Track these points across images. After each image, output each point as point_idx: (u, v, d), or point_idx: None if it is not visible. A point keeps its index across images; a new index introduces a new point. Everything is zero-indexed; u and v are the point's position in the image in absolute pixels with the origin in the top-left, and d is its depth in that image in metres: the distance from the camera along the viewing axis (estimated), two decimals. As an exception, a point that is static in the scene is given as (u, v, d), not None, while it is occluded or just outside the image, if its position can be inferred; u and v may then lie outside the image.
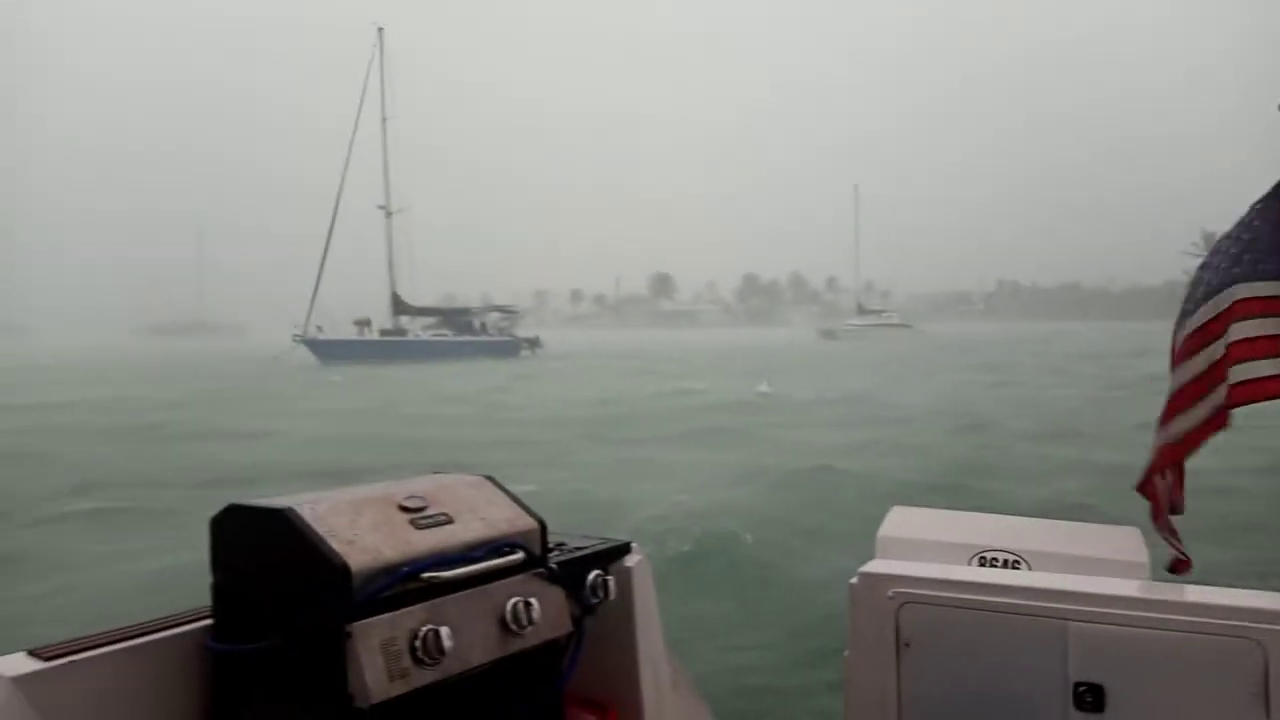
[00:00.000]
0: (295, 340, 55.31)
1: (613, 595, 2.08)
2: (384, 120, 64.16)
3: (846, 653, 2.52)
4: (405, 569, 1.64)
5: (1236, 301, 2.38)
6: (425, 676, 1.61)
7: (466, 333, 63.32)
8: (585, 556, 2.09)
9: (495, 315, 66.95)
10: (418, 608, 1.64)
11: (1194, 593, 2.33)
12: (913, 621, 2.42)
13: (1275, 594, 2.27)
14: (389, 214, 63.60)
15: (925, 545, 2.71)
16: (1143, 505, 2.62)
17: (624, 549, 2.23)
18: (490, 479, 2.00)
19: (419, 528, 1.75)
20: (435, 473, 2.03)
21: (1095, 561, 2.58)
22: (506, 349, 61.08)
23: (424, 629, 1.61)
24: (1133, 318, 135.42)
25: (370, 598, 1.58)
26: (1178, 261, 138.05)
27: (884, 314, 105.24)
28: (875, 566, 2.53)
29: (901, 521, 2.90)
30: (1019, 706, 2.32)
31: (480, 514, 1.87)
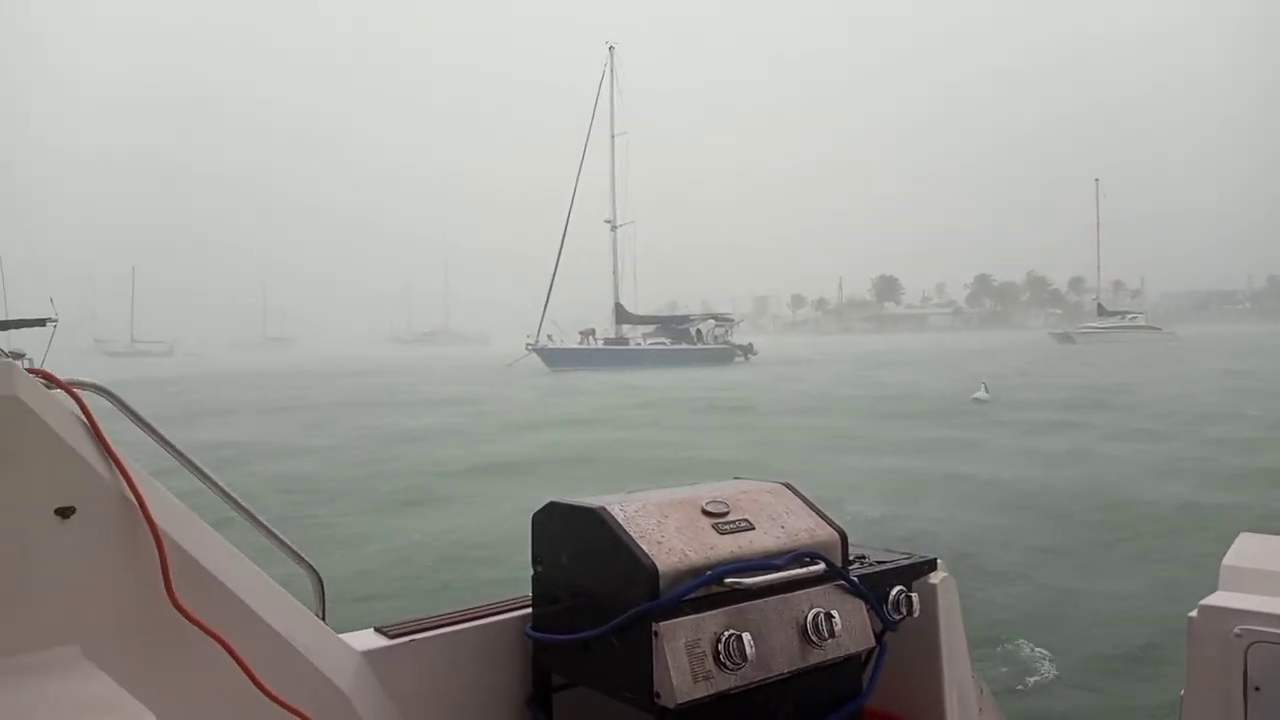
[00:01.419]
0: (528, 349, 59.45)
1: (916, 612, 2.04)
2: (612, 137, 67.32)
3: (1183, 693, 2.31)
4: (709, 573, 1.67)
5: None
6: (728, 680, 1.63)
7: (683, 340, 65.45)
8: (887, 571, 2.06)
9: (711, 323, 68.67)
10: (720, 612, 1.67)
11: None
12: (1263, 663, 2.18)
13: None
14: (614, 228, 66.78)
15: (1278, 578, 2.44)
16: None
17: (929, 565, 2.18)
18: (789, 486, 2.01)
19: (721, 533, 1.77)
20: (736, 478, 2.07)
21: None
22: (721, 356, 62.80)
23: (727, 633, 1.64)
24: None
25: (676, 599, 1.63)
26: None
27: (1128, 315, 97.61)
28: (1219, 600, 2.30)
29: (1251, 550, 2.59)
30: None
31: (780, 522, 1.87)
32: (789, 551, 1.80)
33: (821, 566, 1.82)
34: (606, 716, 1.83)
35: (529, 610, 1.94)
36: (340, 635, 1.85)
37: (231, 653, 1.60)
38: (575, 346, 61.87)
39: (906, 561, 2.14)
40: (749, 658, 1.63)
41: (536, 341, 60.09)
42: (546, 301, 62.22)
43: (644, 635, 1.61)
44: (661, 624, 1.60)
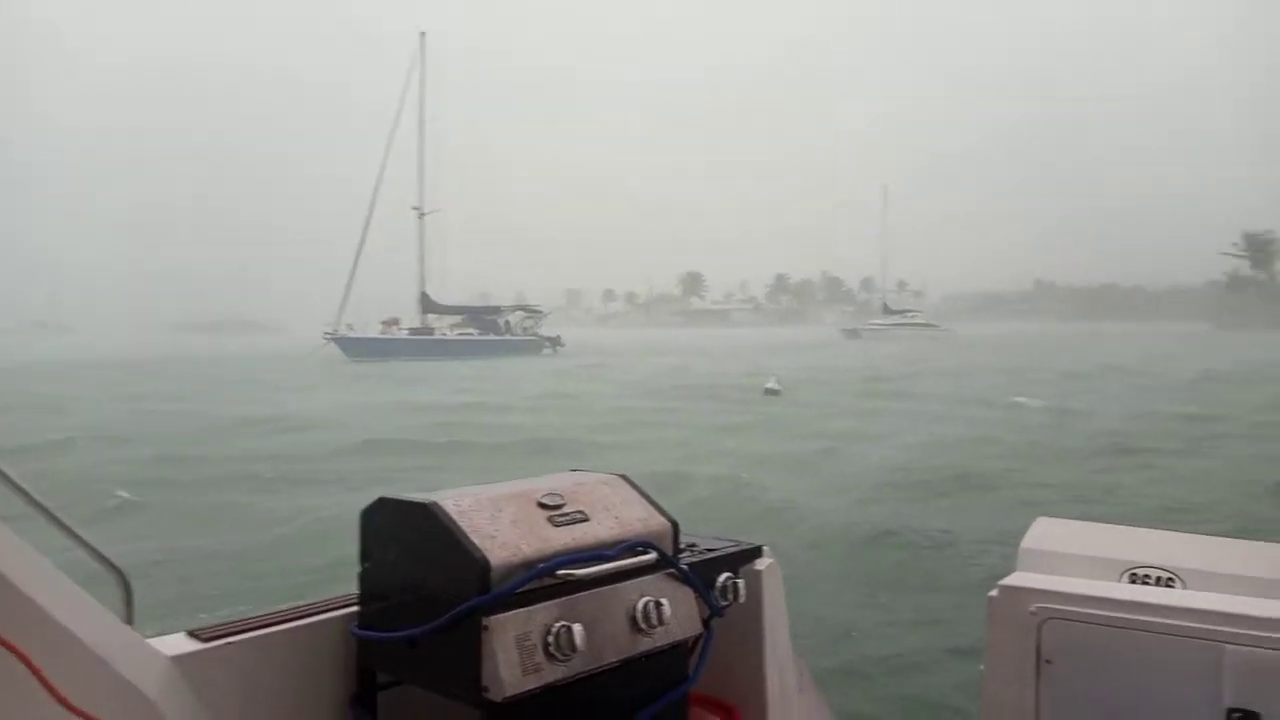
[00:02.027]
0: (326, 339, 57.22)
1: (742, 598, 2.10)
2: (422, 123, 65.67)
3: (983, 667, 2.43)
4: (542, 565, 1.67)
5: None
6: (557, 672, 1.64)
7: (491, 331, 64.86)
8: (716, 558, 2.10)
9: (520, 314, 68.44)
10: (552, 604, 1.68)
11: None
12: (1055, 639, 2.31)
13: None
14: (421, 215, 65.28)
15: (1071, 559, 2.58)
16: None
17: (755, 552, 2.23)
18: (625, 478, 2.02)
19: (556, 525, 1.78)
20: (574, 470, 2.06)
21: (1256, 581, 2.42)
22: (529, 347, 62.68)
23: (558, 625, 1.65)
24: (1174, 318, 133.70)
25: (507, 593, 1.62)
26: (1218, 262, 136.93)
27: (909, 314, 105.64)
28: (1017, 580, 2.44)
29: (1046, 533, 2.74)
30: None
31: (615, 512, 1.89)
32: (622, 541, 1.83)
33: (653, 555, 1.84)
34: (435, 714, 1.81)
35: (355, 609, 1.89)
36: (148, 640, 1.77)
37: (25, 661, 1.49)
38: (376, 336, 60.12)
39: (734, 549, 2.19)
40: (579, 648, 1.65)
41: (336, 331, 58.00)
42: (347, 289, 60.13)
43: (473, 630, 1.61)
44: (491, 618, 1.61)
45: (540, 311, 70.84)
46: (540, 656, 1.63)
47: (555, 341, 65.59)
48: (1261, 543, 2.71)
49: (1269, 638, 2.15)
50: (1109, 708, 2.26)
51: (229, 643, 1.80)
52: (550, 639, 1.64)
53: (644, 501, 1.97)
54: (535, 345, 64.04)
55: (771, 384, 31.58)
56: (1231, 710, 2.15)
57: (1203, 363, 43.72)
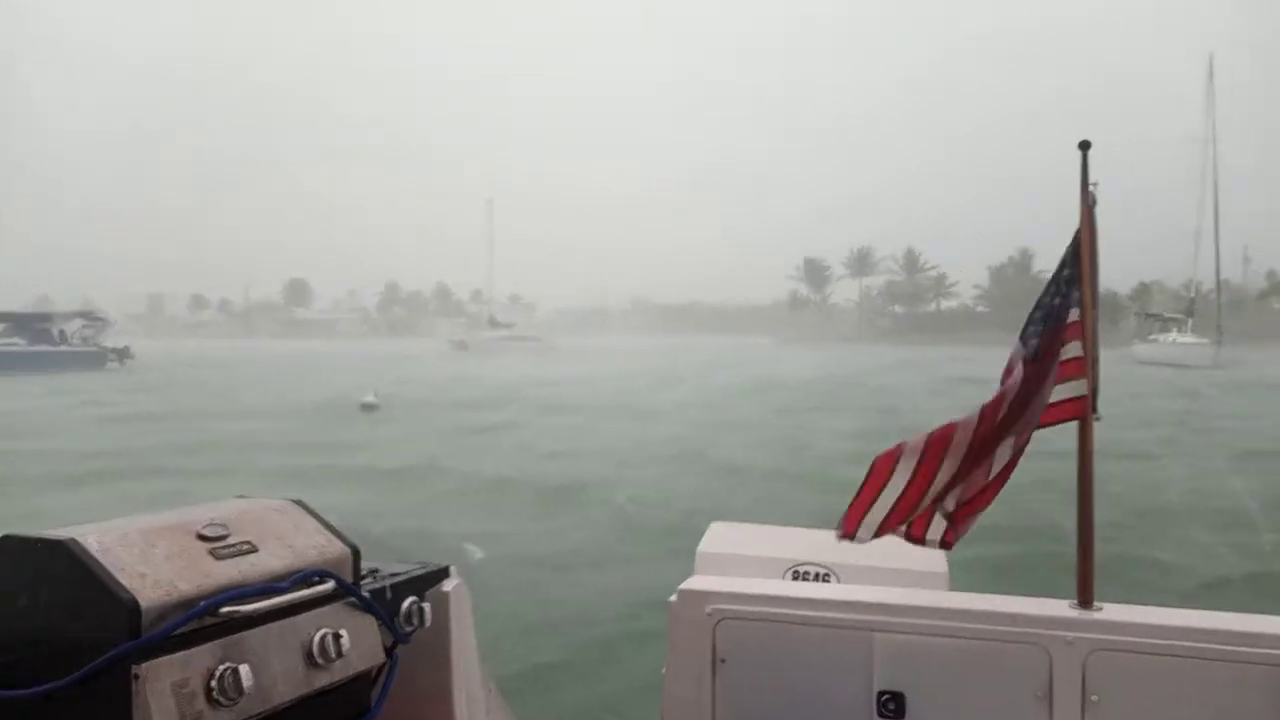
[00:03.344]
0: None
1: (428, 622, 2.02)
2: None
3: (664, 670, 2.49)
4: (203, 604, 1.55)
5: (1071, 324, 2.40)
6: (221, 718, 1.53)
7: (43, 342, 56.66)
8: (400, 583, 2.02)
9: (78, 323, 60.40)
10: (215, 644, 1.56)
11: (986, 601, 2.41)
12: (729, 637, 2.41)
13: (1059, 601, 2.38)
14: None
15: (743, 560, 2.71)
16: None
17: (442, 573, 2.16)
18: (300, 503, 1.91)
19: (219, 558, 1.65)
20: (239, 497, 1.93)
21: (899, 573, 2.63)
22: (87, 360, 55.45)
23: (221, 668, 1.54)
24: (748, 332, 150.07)
25: (161, 636, 1.50)
26: (784, 284, 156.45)
27: (514, 327, 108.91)
28: (694, 583, 2.51)
29: (720, 537, 2.90)
30: (827, 717, 2.35)
31: (287, 541, 1.78)
32: (296, 572, 1.71)
33: (330, 585, 1.74)
34: None
35: None
36: None
37: None
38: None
39: (420, 572, 2.10)
40: (246, 690, 1.53)
41: None
42: None
43: (122, 680, 1.46)
44: (143, 665, 1.47)
45: (103, 320, 63.05)
46: (202, 703, 1.51)
47: (123, 353, 58.88)
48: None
49: (909, 623, 2.32)
50: (776, 699, 2.38)
51: None
52: (214, 683, 1.52)
53: (321, 528, 1.87)
54: (96, 358, 56.89)
55: (369, 398, 31.21)
56: (881, 693, 2.31)
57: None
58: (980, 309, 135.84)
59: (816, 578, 2.70)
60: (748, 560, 2.73)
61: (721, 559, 2.75)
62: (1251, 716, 2.19)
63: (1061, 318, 2.39)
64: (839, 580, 2.69)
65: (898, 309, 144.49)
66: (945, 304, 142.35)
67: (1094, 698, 2.25)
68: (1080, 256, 2.39)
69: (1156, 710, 2.24)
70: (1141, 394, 34.01)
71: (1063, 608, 2.37)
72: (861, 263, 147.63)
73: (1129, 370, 50.76)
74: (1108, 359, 2.53)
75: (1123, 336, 76.47)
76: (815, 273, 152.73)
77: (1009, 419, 2.36)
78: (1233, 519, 13.80)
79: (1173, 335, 69.14)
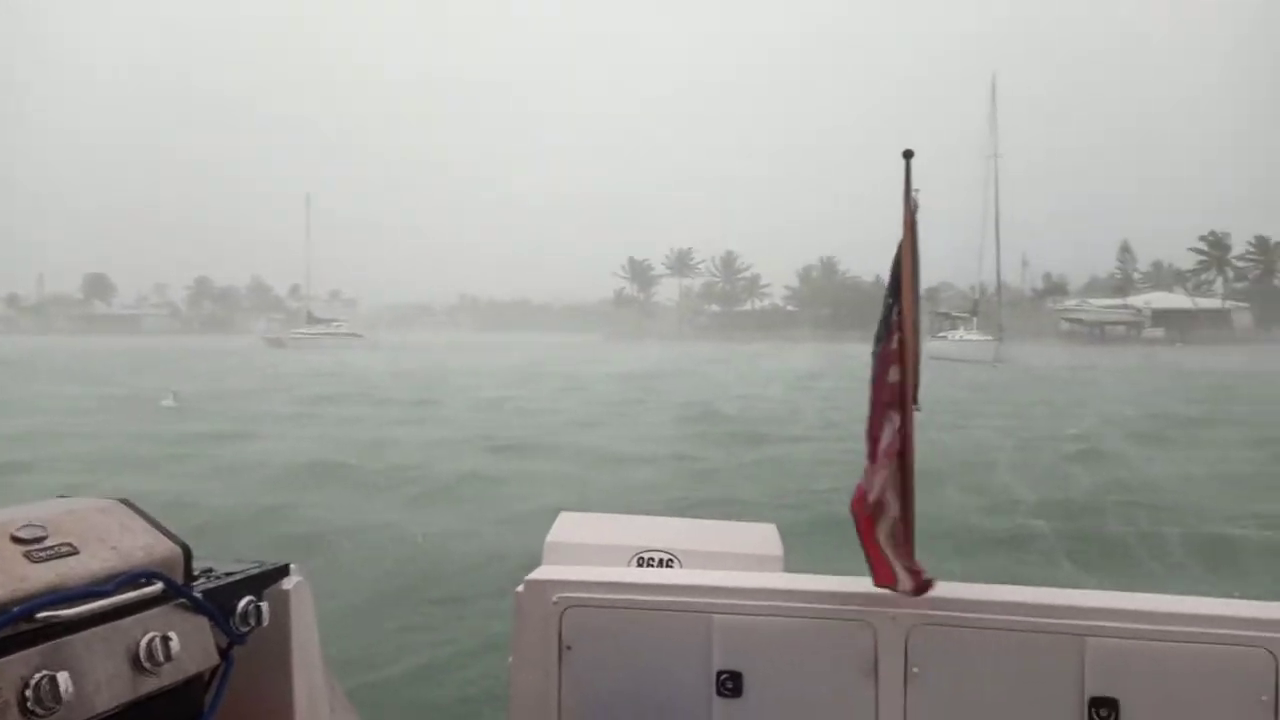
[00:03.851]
0: None
1: (265, 621, 1.94)
2: None
3: (510, 659, 2.52)
4: (17, 610, 1.48)
5: (896, 321, 2.46)
6: None
7: None
8: (236, 582, 1.94)
9: None
10: (31, 652, 1.48)
11: (818, 581, 2.51)
12: (575, 625, 2.44)
13: (880, 591, 2.41)
14: None
15: (591, 549, 2.75)
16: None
17: (281, 571, 2.07)
18: (126, 502, 1.83)
19: (35, 561, 1.57)
20: (61, 497, 1.85)
21: (738, 557, 2.71)
22: None
23: (38, 676, 1.46)
24: (573, 330, 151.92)
25: None
26: (611, 283, 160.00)
27: (334, 323, 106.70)
28: (541, 573, 2.56)
29: (568, 527, 2.93)
30: (669, 699, 2.40)
31: (112, 542, 1.70)
32: (121, 574, 1.66)
33: (158, 586, 1.69)
34: None
35: None
36: None
37: None
38: None
39: (257, 570, 2.02)
40: (65, 699, 1.47)
41: None
42: None
43: None
44: None
45: None
46: (15, 714, 1.44)
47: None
48: (742, 523, 3.13)
49: (746, 605, 2.42)
50: (620, 682, 2.44)
51: None
52: (29, 693, 1.45)
53: (149, 527, 1.80)
54: None
55: (168, 401, 30.99)
56: (720, 673, 2.39)
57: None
58: (790, 308, 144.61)
59: (660, 563, 2.76)
60: (594, 549, 2.79)
61: (569, 548, 2.79)
62: (1055, 683, 2.32)
63: (890, 317, 2.48)
64: (681, 565, 2.75)
65: (715, 308, 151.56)
66: (759, 304, 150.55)
67: (915, 670, 2.35)
68: (903, 259, 2.46)
69: (972, 679, 2.36)
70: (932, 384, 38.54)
71: None
72: (681, 264, 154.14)
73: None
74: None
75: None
76: (639, 272, 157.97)
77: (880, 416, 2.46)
78: (986, 485, 16.88)
79: (959, 332, 74.91)
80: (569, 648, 2.45)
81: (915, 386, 2.45)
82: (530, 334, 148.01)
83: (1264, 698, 2.24)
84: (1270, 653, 2.24)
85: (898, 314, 2.44)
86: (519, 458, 20.82)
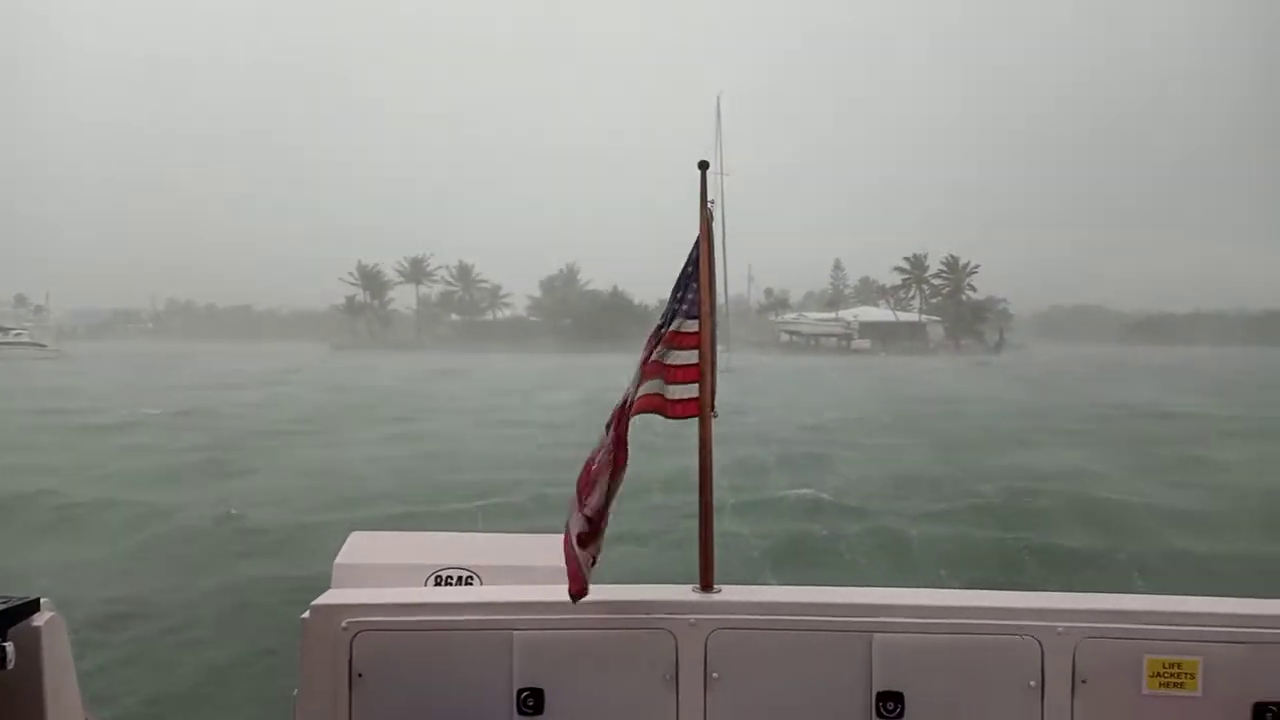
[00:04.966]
0: None
1: (11, 663, 1.83)
2: None
3: (296, 691, 2.38)
4: None
5: (672, 333, 2.62)
6: None
7: None
8: None
9: None
10: None
11: (618, 591, 2.54)
12: (366, 651, 2.34)
13: (683, 587, 2.51)
14: None
15: (384, 570, 2.64)
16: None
17: (30, 607, 1.95)
18: None
19: None
20: None
21: (542, 570, 2.62)
22: None
23: None
24: (304, 338, 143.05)
25: None
26: (339, 288, 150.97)
27: (13, 332, 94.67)
28: (329, 598, 2.44)
29: (359, 548, 2.80)
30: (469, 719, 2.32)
31: None
32: None
33: None
34: None
35: None
36: None
37: None
38: None
39: (1, 606, 1.89)
40: None
41: None
42: None
43: None
44: None
45: None
46: None
47: None
48: (547, 535, 2.97)
49: (550, 619, 2.44)
50: (416, 708, 2.38)
51: None
52: None
53: None
54: None
55: None
56: (521, 690, 2.40)
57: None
58: (533, 319, 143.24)
59: (459, 581, 2.70)
60: (388, 569, 2.70)
61: (360, 570, 2.70)
62: (844, 678, 2.42)
63: (670, 325, 2.62)
64: (481, 582, 2.71)
65: (455, 317, 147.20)
66: (501, 314, 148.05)
67: (715, 675, 2.41)
68: (700, 268, 2.56)
69: (767, 681, 2.42)
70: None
71: (686, 592, 2.54)
72: (416, 270, 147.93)
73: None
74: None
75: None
76: (370, 278, 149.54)
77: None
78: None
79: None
80: (360, 675, 2.35)
81: (712, 394, 2.64)
82: (252, 344, 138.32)
83: (1031, 683, 2.35)
84: (1037, 640, 2.35)
85: (695, 326, 2.59)
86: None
